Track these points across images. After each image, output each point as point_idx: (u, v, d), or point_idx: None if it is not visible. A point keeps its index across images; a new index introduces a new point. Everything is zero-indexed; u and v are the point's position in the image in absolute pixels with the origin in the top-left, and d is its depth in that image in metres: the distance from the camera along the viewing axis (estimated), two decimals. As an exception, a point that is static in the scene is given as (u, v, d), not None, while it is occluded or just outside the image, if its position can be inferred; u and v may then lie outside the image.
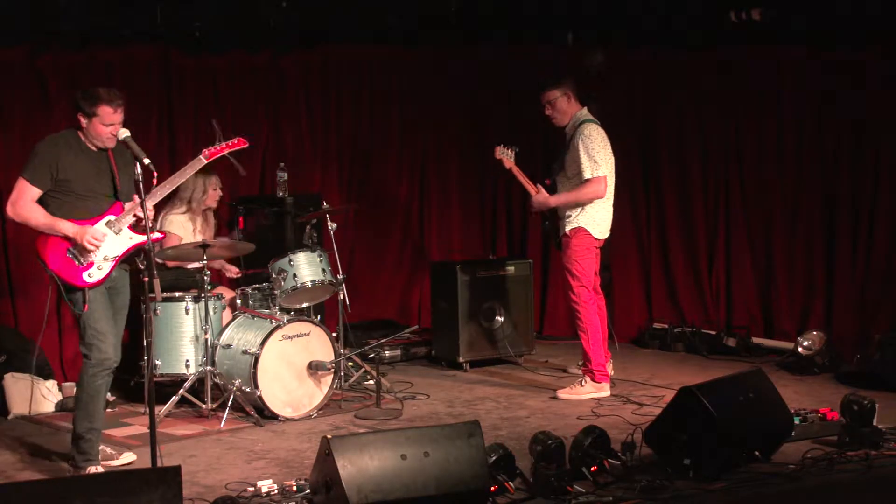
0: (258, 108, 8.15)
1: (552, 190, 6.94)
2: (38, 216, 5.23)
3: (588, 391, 6.82)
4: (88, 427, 5.31)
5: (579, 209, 6.83)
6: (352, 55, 8.47)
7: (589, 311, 6.87)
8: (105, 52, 7.46)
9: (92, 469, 5.25)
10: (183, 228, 7.08)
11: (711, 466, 5.00)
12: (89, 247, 5.21)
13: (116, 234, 5.33)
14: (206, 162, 5.73)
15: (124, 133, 5.18)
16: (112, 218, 5.34)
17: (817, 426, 5.71)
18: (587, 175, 6.72)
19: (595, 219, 6.85)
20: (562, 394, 6.85)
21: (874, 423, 5.45)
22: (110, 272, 5.33)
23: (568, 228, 6.87)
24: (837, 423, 5.63)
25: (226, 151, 5.84)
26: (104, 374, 5.31)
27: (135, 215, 5.37)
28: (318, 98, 8.40)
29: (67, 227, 5.22)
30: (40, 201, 5.26)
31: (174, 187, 5.80)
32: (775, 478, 5.03)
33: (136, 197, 5.26)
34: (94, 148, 5.33)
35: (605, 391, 6.83)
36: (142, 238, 5.40)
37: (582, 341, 6.89)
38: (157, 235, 5.79)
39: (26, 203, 5.23)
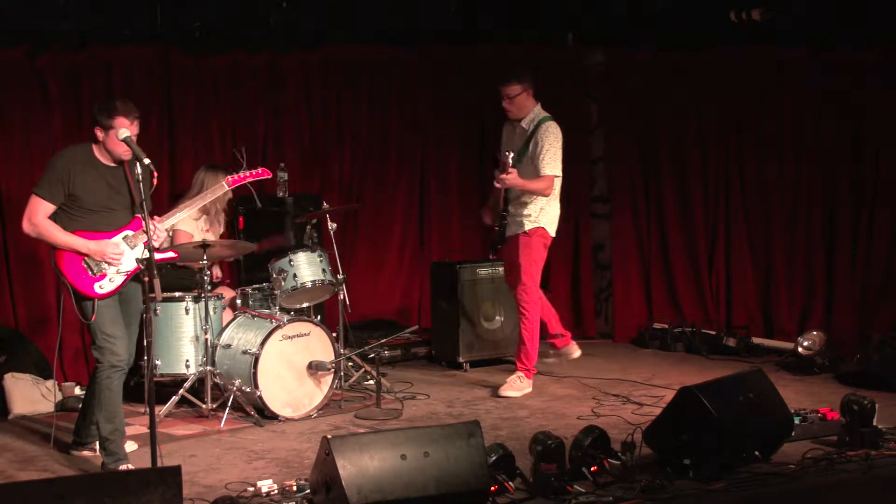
0: (258, 108, 8.13)
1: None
2: (53, 233, 5.31)
3: (526, 387, 6.96)
4: (112, 429, 5.34)
5: (539, 209, 6.94)
6: (352, 55, 8.46)
7: (537, 310, 7.03)
8: (105, 52, 7.45)
9: (123, 467, 5.26)
10: (190, 224, 7.06)
11: (711, 466, 5.00)
12: (111, 261, 5.31)
13: (132, 248, 5.40)
14: (227, 189, 6.10)
15: (124, 133, 5.20)
16: (130, 233, 5.41)
17: (817, 426, 5.70)
18: (547, 171, 6.82)
19: (552, 218, 7.00)
20: (505, 391, 6.92)
21: (874, 423, 5.45)
22: (121, 285, 5.40)
23: (528, 227, 6.96)
24: (837, 423, 5.63)
25: (248, 180, 6.15)
26: (118, 374, 5.36)
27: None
28: (318, 98, 8.39)
29: (82, 245, 5.30)
30: (53, 213, 5.32)
31: (193, 210, 6.14)
32: (775, 478, 5.03)
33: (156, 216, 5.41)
34: (109, 163, 5.37)
35: (530, 388, 7.02)
36: (156, 256, 5.46)
37: (527, 340, 6.99)
38: (170, 255, 5.84)
39: (42, 219, 5.30)
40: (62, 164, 5.33)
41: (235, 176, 6.09)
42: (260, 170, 6.20)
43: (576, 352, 7.40)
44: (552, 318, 7.32)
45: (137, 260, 5.36)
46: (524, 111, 6.99)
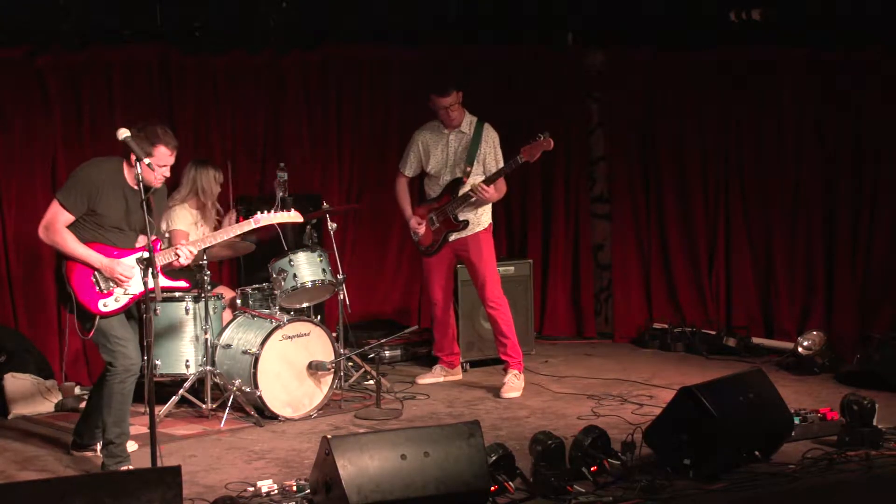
0: (258, 108, 8.13)
1: (458, 185, 7.05)
2: (69, 242, 5.26)
3: (522, 384, 7.01)
4: (119, 433, 5.34)
5: (487, 206, 7.09)
6: (352, 55, 8.46)
7: (506, 302, 7.14)
8: (105, 52, 7.45)
9: (124, 468, 5.26)
10: (186, 222, 7.01)
11: (711, 466, 5.01)
12: (119, 280, 5.28)
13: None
14: (254, 227, 5.90)
15: (124, 133, 5.17)
16: (145, 255, 5.34)
17: (817, 426, 5.70)
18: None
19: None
20: (506, 393, 6.92)
21: (874, 423, 5.46)
22: (125, 306, 5.38)
23: (487, 224, 7.11)
24: (837, 423, 5.63)
25: (277, 221, 6.01)
26: (132, 378, 5.36)
27: (176, 254, 5.49)
28: (318, 98, 8.38)
29: (96, 259, 5.27)
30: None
31: (219, 241, 6.01)
32: (775, 478, 5.04)
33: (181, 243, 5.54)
34: (133, 185, 5.29)
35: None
36: (168, 283, 5.51)
37: (509, 335, 7.05)
38: (181, 284, 5.82)
39: (59, 228, 5.25)
40: (91, 179, 5.27)
41: (265, 215, 5.91)
42: (292, 212, 6.08)
43: (459, 374, 7.50)
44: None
45: (138, 260, 5.33)
46: (462, 117, 7.12)
